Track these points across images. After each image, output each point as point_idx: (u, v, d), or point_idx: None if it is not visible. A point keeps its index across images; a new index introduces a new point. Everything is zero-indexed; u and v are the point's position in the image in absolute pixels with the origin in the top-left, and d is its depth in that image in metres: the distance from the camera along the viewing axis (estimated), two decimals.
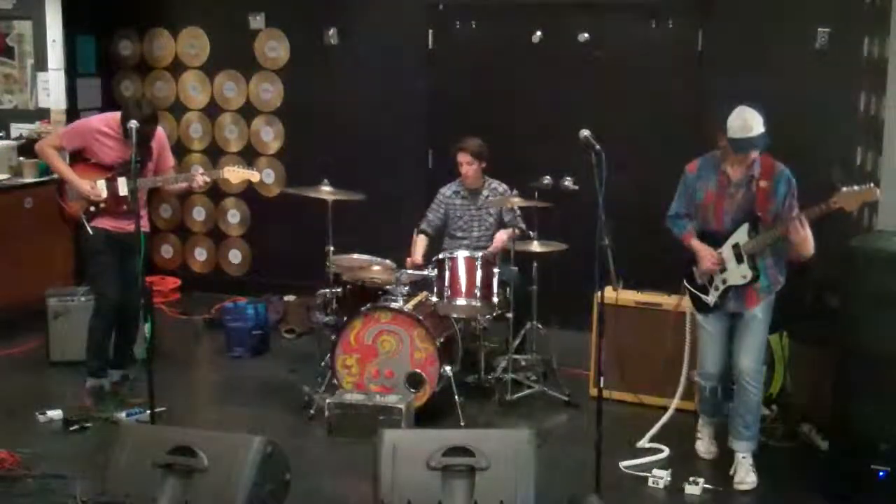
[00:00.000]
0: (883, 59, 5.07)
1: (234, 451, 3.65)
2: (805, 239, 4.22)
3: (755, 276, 4.38)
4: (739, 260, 4.40)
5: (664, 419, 4.92)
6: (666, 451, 4.80)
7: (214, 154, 7.73)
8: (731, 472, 4.55)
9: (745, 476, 4.50)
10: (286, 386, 5.75)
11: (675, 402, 4.94)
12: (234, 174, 5.46)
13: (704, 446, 4.84)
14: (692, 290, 4.62)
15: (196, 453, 3.63)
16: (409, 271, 5.55)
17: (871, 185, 4.09)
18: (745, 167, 4.37)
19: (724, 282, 4.47)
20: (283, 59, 7.45)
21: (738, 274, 4.41)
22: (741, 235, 4.40)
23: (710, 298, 4.53)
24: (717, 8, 6.31)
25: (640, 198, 5.92)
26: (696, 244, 4.52)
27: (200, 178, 5.42)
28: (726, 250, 4.44)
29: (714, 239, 4.49)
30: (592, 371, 5.44)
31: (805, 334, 5.33)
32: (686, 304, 4.80)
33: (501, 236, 5.78)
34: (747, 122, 4.24)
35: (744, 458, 4.55)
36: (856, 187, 4.10)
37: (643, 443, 4.87)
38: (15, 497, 4.26)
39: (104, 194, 5.35)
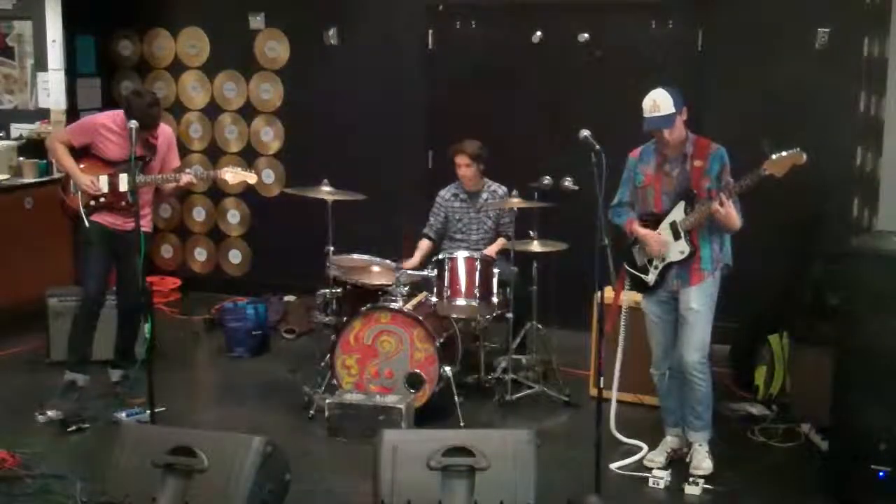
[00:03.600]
0: (883, 59, 5.08)
1: (234, 451, 3.65)
2: (727, 216, 4.30)
3: (692, 252, 4.46)
4: (677, 237, 4.48)
5: (612, 413, 4.95)
6: (645, 449, 4.80)
7: (214, 154, 7.73)
8: (688, 460, 4.63)
9: (701, 462, 4.57)
10: (286, 386, 5.75)
11: (614, 394, 4.98)
12: (233, 175, 5.47)
13: (653, 454, 4.76)
14: (633, 272, 4.68)
15: (196, 453, 3.63)
16: (409, 271, 5.55)
17: (798, 149, 4.12)
18: (678, 146, 4.47)
19: (662, 260, 4.54)
20: (283, 59, 7.45)
21: (676, 250, 4.49)
22: (678, 213, 4.48)
23: (650, 277, 4.59)
24: (717, 8, 6.31)
25: None
26: (638, 230, 4.59)
27: (185, 177, 5.44)
28: (664, 229, 4.51)
29: (656, 222, 4.56)
30: (592, 371, 5.45)
31: (805, 334, 5.33)
32: (623, 298, 4.87)
33: (491, 251, 5.78)
34: (655, 102, 4.39)
35: (700, 446, 4.63)
36: (784, 153, 4.14)
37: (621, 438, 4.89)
38: (15, 497, 4.26)
39: (105, 189, 5.38)
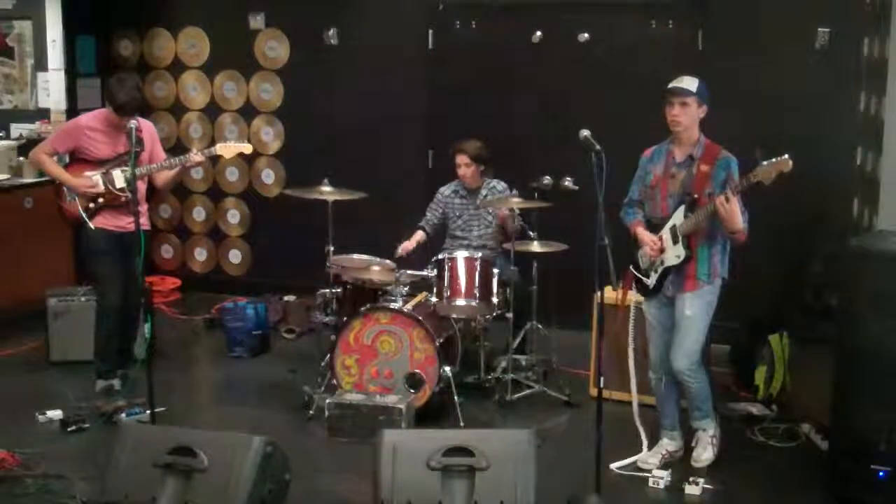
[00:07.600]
0: (883, 59, 5.09)
1: (234, 451, 3.65)
2: (732, 213, 4.25)
3: (688, 257, 4.46)
4: (675, 241, 4.49)
5: (637, 415, 4.90)
6: (644, 450, 4.78)
7: None
8: (693, 444, 4.73)
9: (702, 453, 4.68)
10: (286, 386, 5.75)
11: (634, 397, 4.92)
12: (227, 149, 5.45)
13: (647, 455, 4.75)
14: (636, 273, 4.70)
15: (196, 453, 3.62)
16: (409, 272, 5.55)
17: (786, 156, 4.09)
18: (688, 147, 4.49)
19: (661, 263, 4.55)
20: (283, 59, 7.46)
21: (672, 254, 4.50)
22: (678, 217, 4.48)
23: (650, 281, 4.61)
24: (717, 8, 6.31)
25: None
26: (639, 232, 4.64)
27: (195, 157, 5.41)
28: (665, 233, 4.53)
29: (662, 225, 4.56)
30: (592, 371, 5.45)
31: (805, 334, 5.34)
32: (631, 297, 4.86)
33: (504, 212, 5.74)
34: (682, 78, 4.48)
35: (703, 432, 4.71)
36: (773, 160, 4.13)
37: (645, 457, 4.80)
38: (15, 497, 4.26)
39: (101, 187, 5.38)
